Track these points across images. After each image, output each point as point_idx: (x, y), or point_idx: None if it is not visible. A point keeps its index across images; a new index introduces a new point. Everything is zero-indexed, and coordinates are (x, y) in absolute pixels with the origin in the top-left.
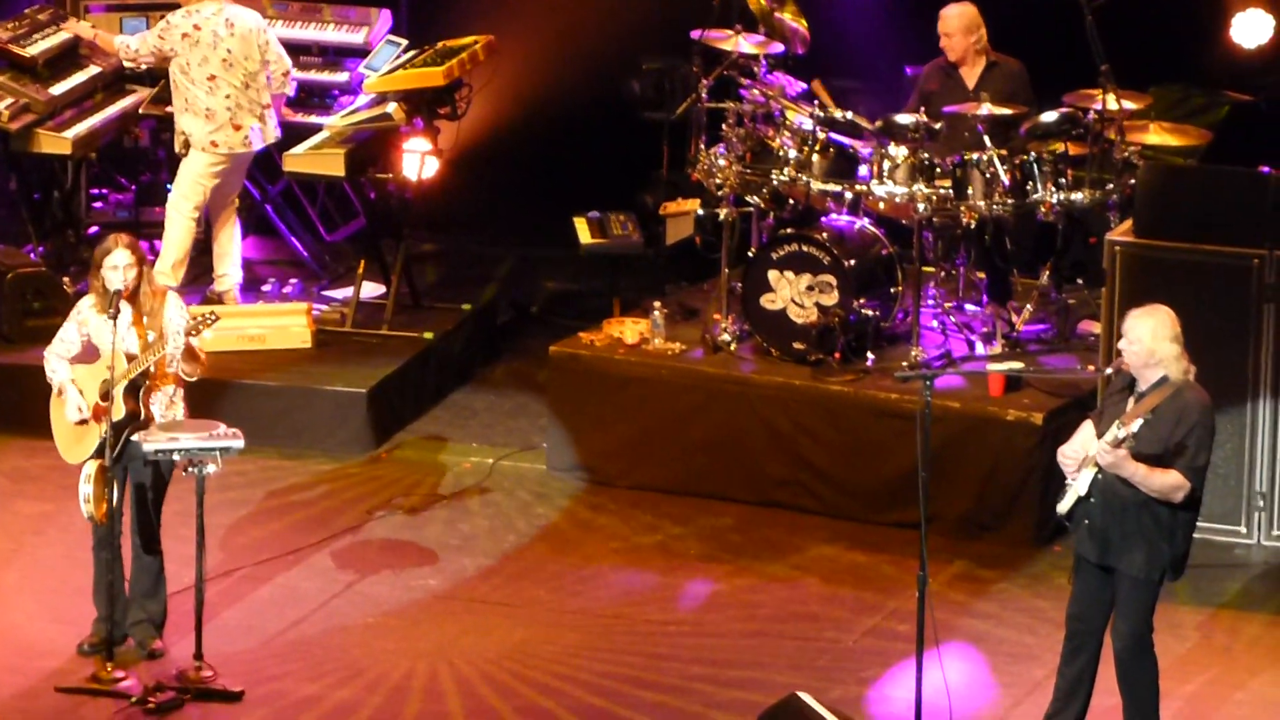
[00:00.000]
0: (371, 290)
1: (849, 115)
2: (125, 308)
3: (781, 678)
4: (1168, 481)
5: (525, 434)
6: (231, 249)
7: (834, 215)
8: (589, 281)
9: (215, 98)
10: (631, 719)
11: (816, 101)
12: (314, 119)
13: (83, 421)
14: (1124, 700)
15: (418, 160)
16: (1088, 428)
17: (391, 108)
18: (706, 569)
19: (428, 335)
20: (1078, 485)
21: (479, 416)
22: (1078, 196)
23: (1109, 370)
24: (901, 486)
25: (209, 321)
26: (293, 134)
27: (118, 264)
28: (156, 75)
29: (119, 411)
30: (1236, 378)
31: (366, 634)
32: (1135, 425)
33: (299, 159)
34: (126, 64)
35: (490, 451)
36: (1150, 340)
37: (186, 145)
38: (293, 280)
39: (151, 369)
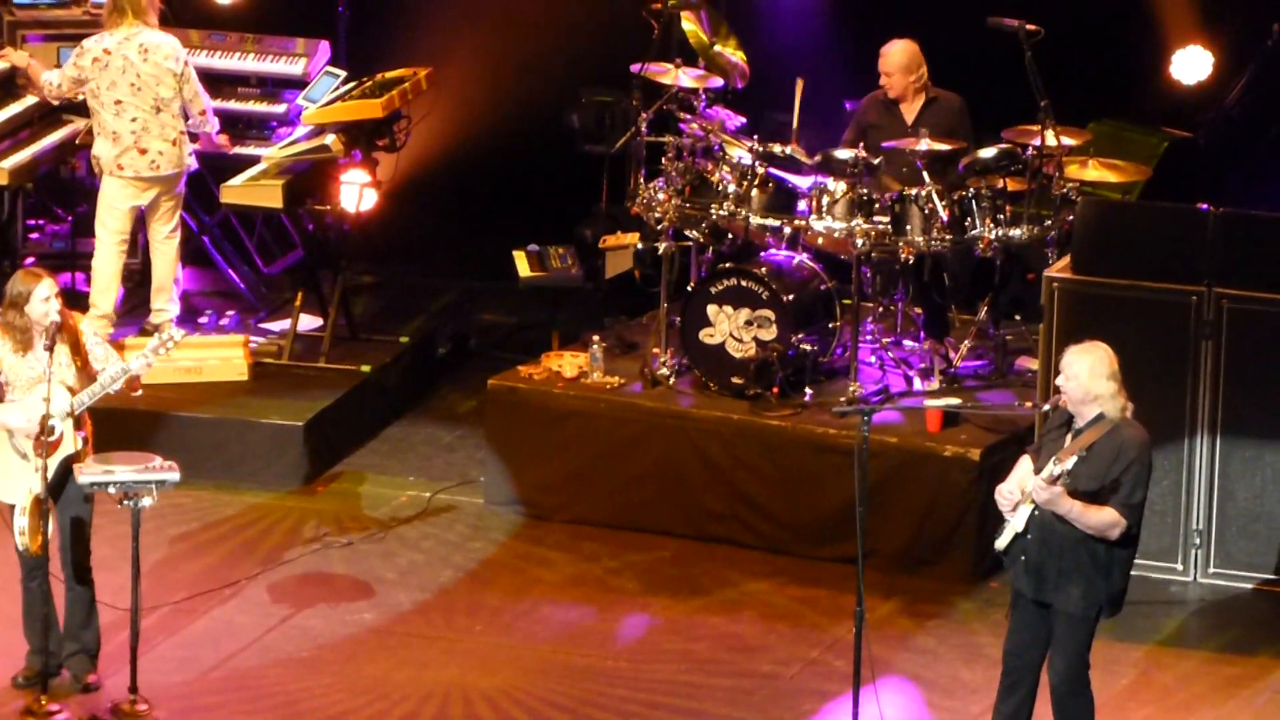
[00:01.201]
0: (309, 323)
1: (788, 150)
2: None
3: (718, 712)
4: (1103, 519)
5: (462, 467)
6: (169, 281)
7: (773, 250)
8: (527, 315)
9: (121, 120)
10: None
11: (756, 135)
12: (251, 150)
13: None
14: None
15: (356, 192)
16: (1025, 464)
17: (330, 139)
18: (644, 603)
19: (365, 368)
20: (1015, 521)
21: (416, 449)
22: (1016, 232)
23: (1046, 406)
24: (839, 521)
25: (168, 346)
26: (230, 165)
27: (48, 294)
28: None
29: (70, 445)
30: (1174, 415)
31: (302, 668)
32: (1070, 462)
33: (236, 190)
34: (52, 101)
35: (427, 485)
36: (1087, 378)
37: (101, 170)
38: (230, 312)
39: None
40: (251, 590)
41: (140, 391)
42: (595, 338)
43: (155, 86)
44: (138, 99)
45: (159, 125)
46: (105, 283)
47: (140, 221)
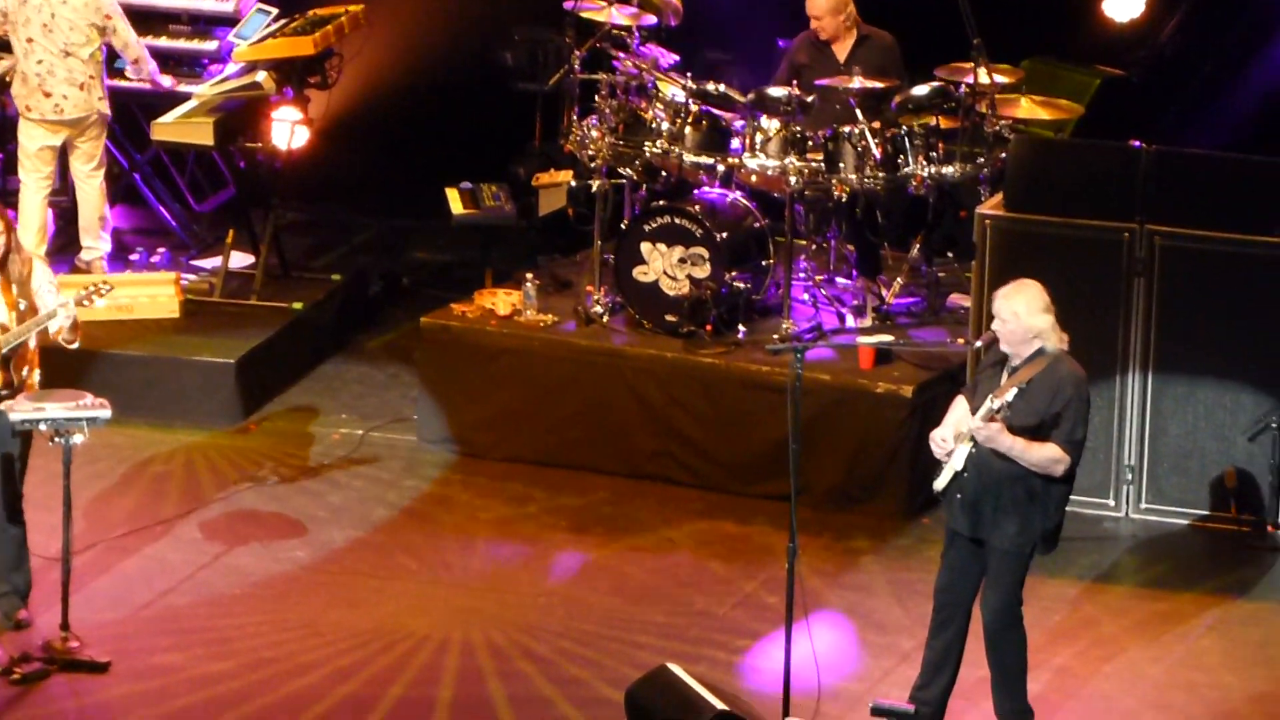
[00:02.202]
0: (240, 260)
1: (721, 88)
2: None
3: (652, 649)
4: (1046, 454)
5: (396, 405)
6: (94, 219)
7: (706, 188)
8: (461, 253)
9: (28, 61)
10: (501, 690)
11: (689, 73)
12: (183, 88)
13: None
14: (992, 672)
15: (288, 129)
16: (960, 405)
17: (261, 76)
18: (577, 541)
19: (297, 306)
20: (953, 461)
21: (349, 388)
22: (949, 170)
23: (979, 344)
24: (772, 458)
25: (102, 291)
26: (161, 103)
27: None
28: None
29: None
30: (1106, 352)
31: (234, 605)
32: (1010, 394)
33: (167, 128)
34: None
35: (360, 423)
36: (1026, 314)
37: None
38: (161, 250)
39: (31, 341)
40: (183, 528)
41: (77, 344)
42: (529, 276)
43: (68, 31)
44: (47, 40)
45: (65, 69)
46: (27, 220)
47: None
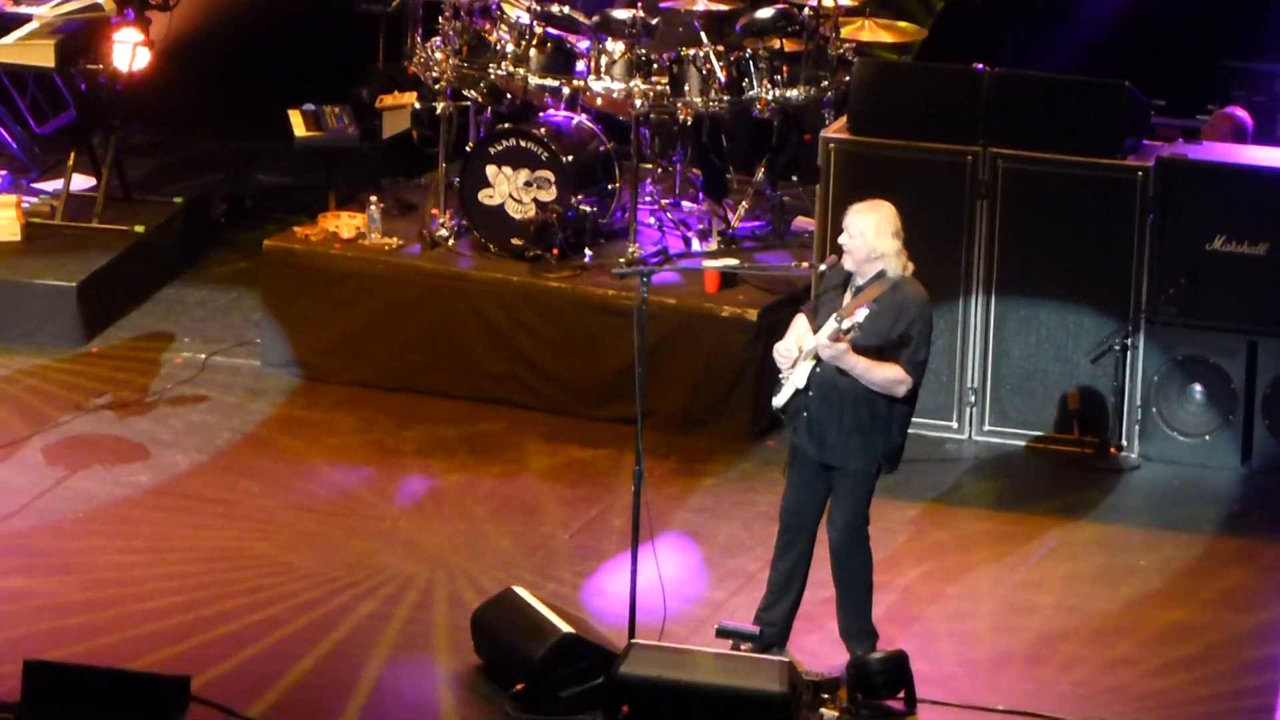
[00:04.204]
0: (82, 183)
1: (566, 10)
2: None
3: (497, 573)
4: (889, 375)
5: (239, 329)
6: None
7: (552, 111)
8: (303, 175)
9: None
10: (346, 614)
11: None
12: (23, 9)
13: None
14: (838, 593)
15: (129, 51)
16: (801, 322)
17: None
18: (423, 465)
19: (139, 229)
20: (795, 378)
21: (191, 311)
22: (793, 93)
23: (823, 267)
24: (618, 382)
25: None
26: (1, 24)
27: None
28: None
29: None
30: (950, 275)
31: (77, 529)
32: (860, 314)
33: (7, 49)
34: None
35: (203, 347)
36: (874, 235)
37: None
38: (1, 172)
39: None
40: (25, 452)
41: None
42: (373, 199)
43: None
44: None
45: None
46: None
47: None
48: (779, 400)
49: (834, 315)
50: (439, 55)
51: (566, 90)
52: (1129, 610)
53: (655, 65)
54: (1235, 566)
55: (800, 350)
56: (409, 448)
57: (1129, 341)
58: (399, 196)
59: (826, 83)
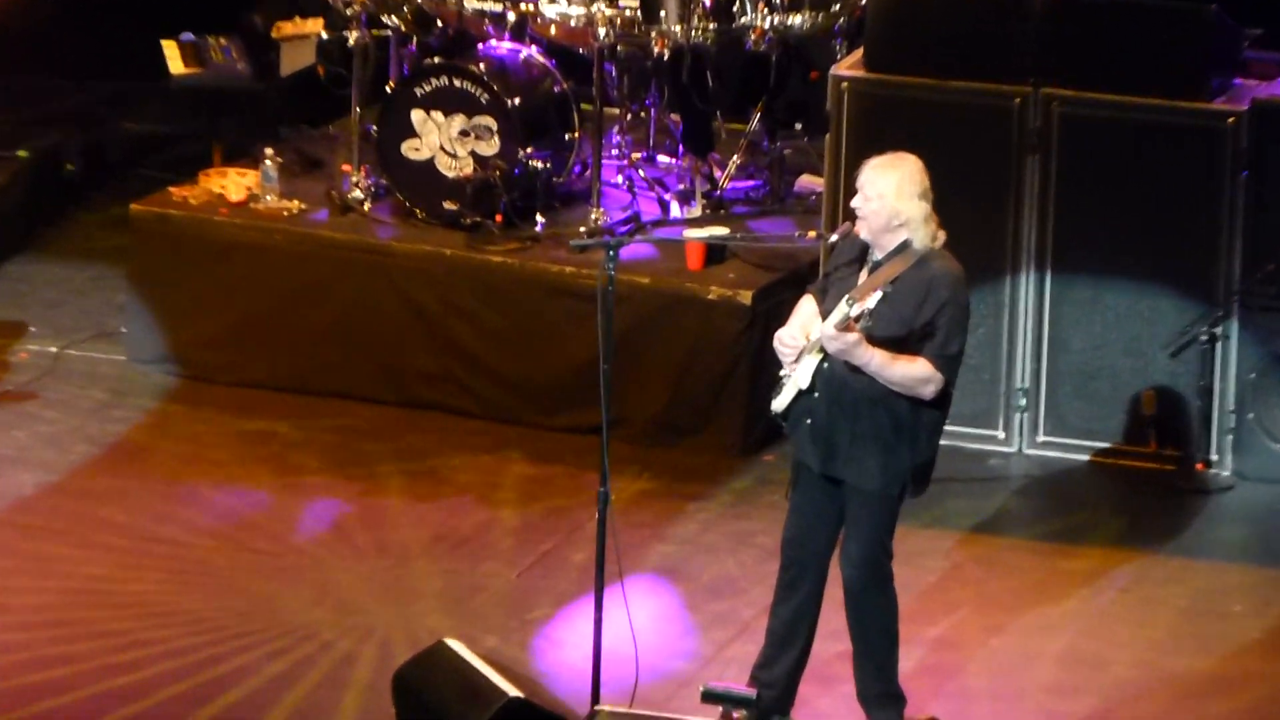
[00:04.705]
0: None
1: None
2: None
3: (426, 621)
4: (913, 372)
5: (99, 316)
6: None
7: (494, 42)
8: (181, 122)
9: None
10: (233, 672)
11: None
12: None
13: None
14: (855, 645)
15: None
16: (808, 305)
17: None
18: (331, 487)
19: None
20: (797, 376)
21: (40, 294)
22: (796, 20)
23: (834, 237)
24: (579, 382)
25: None
26: None
27: None
28: None
29: None
30: (993, 247)
31: None
32: (872, 300)
33: None
34: None
35: (54, 338)
36: (895, 197)
37: None
38: None
39: None
40: None
41: None
42: (268, 151)
43: None
44: None
45: None
46: None
47: None
48: (779, 403)
49: (846, 297)
50: None
51: (512, 16)
52: (1220, 667)
53: None
54: None
55: (808, 340)
56: (315, 465)
57: (1218, 330)
58: (301, 149)
59: (838, 7)
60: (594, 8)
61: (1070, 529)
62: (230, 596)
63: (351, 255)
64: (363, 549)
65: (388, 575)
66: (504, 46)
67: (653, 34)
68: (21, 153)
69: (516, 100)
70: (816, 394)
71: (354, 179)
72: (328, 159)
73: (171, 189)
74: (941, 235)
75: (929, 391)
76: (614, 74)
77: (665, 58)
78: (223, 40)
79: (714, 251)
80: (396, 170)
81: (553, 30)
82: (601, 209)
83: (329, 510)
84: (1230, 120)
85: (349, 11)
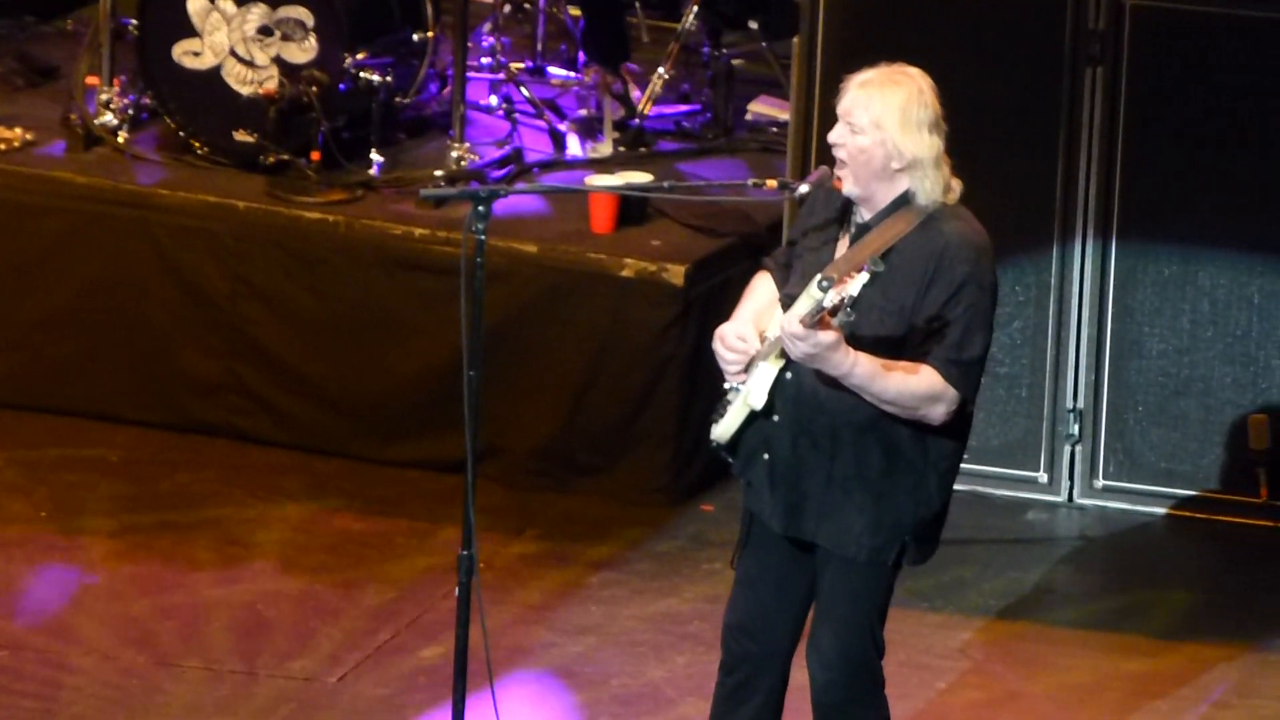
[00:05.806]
0: None
1: None
2: None
3: None
4: (915, 387)
5: None
6: None
7: None
8: None
9: None
10: None
11: None
12: None
13: None
14: None
15: None
16: (763, 287)
17: None
18: (68, 547)
19: None
20: (749, 393)
21: None
22: None
23: (804, 188)
24: (430, 398)
25: None
26: None
27: None
28: None
29: None
30: (1035, 204)
31: None
32: (856, 284)
33: None
34: None
35: None
36: (897, 127)
37: None
38: None
39: None
40: None
41: None
42: None
43: None
44: None
45: None
46: None
47: None
48: (723, 431)
49: (817, 279)
50: None
51: None
52: None
53: None
54: None
55: (763, 340)
56: (42, 514)
57: None
58: (27, 54)
59: None
60: None
61: (1139, 611)
62: None
63: (99, 208)
64: (119, 636)
65: (148, 676)
66: None
67: None
68: None
69: None
70: (776, 418)
71: (104, 97)
72: (66, 68)
73: None
74: (957, 186)
75: (938, 414)
76: None
77: None
78: None
79: (631, 208)
80: (166, 84)
81: None
82: (467, 143)
83: (63, 583)
84: None
85: None
